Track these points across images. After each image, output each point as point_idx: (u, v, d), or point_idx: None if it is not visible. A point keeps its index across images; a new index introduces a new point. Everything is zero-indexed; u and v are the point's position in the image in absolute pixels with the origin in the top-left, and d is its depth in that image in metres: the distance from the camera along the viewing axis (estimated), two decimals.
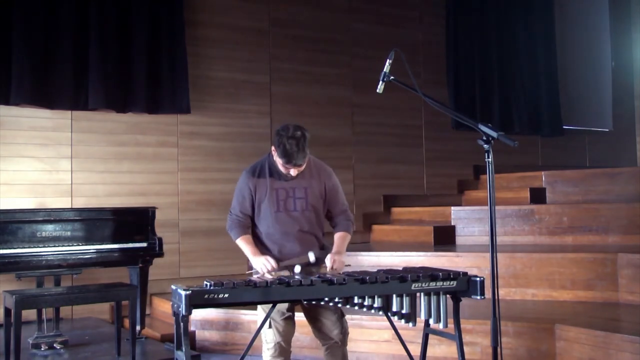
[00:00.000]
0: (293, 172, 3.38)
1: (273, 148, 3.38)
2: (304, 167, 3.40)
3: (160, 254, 5.17)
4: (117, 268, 5.24)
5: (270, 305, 3.20)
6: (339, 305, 3.10)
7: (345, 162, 7.23)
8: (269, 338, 3.36)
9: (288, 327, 3.38)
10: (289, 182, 3.44)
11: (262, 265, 3.33)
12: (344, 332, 3.46)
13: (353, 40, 7.48)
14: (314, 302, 3.11)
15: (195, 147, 6.48)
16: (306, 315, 3.45)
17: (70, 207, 5.78)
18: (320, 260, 3.46)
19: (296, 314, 3.47)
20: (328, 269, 3.39)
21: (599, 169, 6.99)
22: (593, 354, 3.84)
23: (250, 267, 3.55)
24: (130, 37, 6.13)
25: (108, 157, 6.09)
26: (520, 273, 5.14)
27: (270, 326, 3.34)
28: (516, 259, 5.18)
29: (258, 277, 3.22)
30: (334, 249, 3.49)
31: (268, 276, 3.26)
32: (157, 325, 5.48)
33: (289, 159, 3.30)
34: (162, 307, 5.67)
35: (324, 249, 3.53)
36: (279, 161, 3.36)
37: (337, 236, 3.56)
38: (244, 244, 3.47)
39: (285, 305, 3.32)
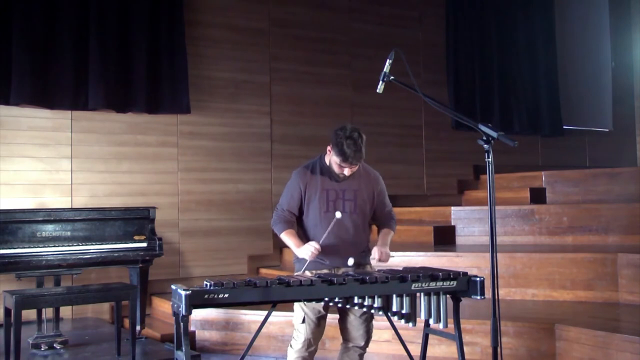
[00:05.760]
0: (347, 172, 3.43)
1: (329, 148, 3.45)
2: (357, 168, 3.46)
3: (160, 254, 5.17)
4: (117, 268, 5.25)
5: (310, 302, 3.26)
6: (340, 305, 3.10)
7: None
8: (300, 333, 3.40)
9: (320, 326, 3.44)
10: (339, 184, 3.49)
11: (307, 251, 3.32)
12: (369, 335, 3.51)
13: (353, 40, 7.48)
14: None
15: (195, 147, 6.48)
16: (339, 314, 3.52)
17: (70, 207, 5.77)
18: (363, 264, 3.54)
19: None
20: (376, 261, 3.46)
21: (599, 169, 6.99)
22: (593, 354, 3.84)
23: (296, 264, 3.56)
24: (130, 37, 6.13)
25: (108, 157, 6.09)
26: (520, 273, 5.14)
27: (303, 321, 3.38)
28: (516, 259, 5.18)
29: (303, 273, 3.26)
30: (379, 242, 3.55)
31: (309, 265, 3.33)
32: (157, 325, 5.48)
33: (345, 157, 3.35)
34: (162, 307, 5.67)
35: (367, 253, 3.56)
36: (334, 160, 3.41)
37: (382, 232, 3.64)
38: (288, 238, 3.46)
39: (321, 304, 3.34)
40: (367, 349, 3.56)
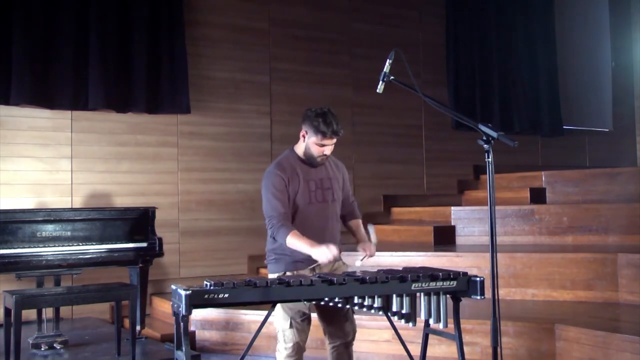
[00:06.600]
0: (328, 150, 3.41)
1: (302, 133, 3.43)
2: (334, 143, 3.43)
3: (160, 254, 5.17)
4: (117, 268, 5.24)
5: (293, 304, 3.23)
6: (340, 305, 3.09)
7: (345, 162, 7.01)
8: (288, 338, 3.36)
9: (306, 327, 3.42)
10: (317, 173, 3.47)
11: (323, 255, 3.19)
12: (354, 331, 3.50)
13: (353, 40, 7.48)
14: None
15: (195, 147, 6.48)
16: (319, 314, 3.48)
17: (70, 207, 5.78)
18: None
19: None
20: (367, 257, 3.42)
21: (599, 169, 6.99)
22: (593, 354, 3.84)
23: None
24: (130, 37, 6.13)
25: (108, 157, 6.09)
26: (520, 273, 5.14)
27: (291, 326, 3.35)
28: (516, 259, 5.18)
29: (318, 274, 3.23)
30: (360, 238, 3.54)
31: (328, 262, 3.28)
32: (157, 325, 5.48)
33: (324, 133, 3.34)
34: (162, 307, 5.67)
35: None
36: (313, 141, 3.38)
37: (355, 225, 3.63)
38: (297, 240, 3.25)
39: (306, 305, 3.32)
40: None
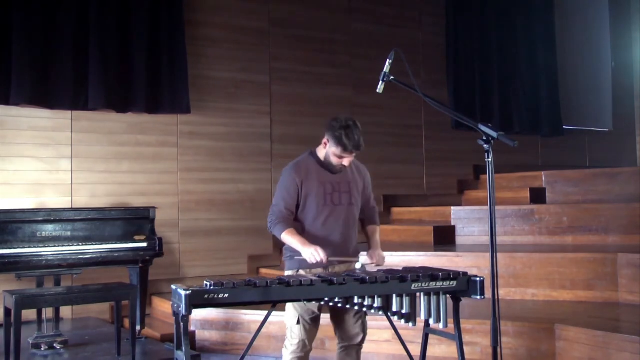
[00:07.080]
0: (346, 162, 3.43)
1: (324, 140, 3.44)
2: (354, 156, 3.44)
3: (160, 254, 5.17)
4: (117, 268, 5.24)
5: (303, 302, 3.24)
6: (340, 305, 3.10)
7: None
8: (295, 334, 3.38)
9: (314, 326, 3.43)
10: (335, 176, 3.48)
11: (311, 256, 3.24)
12: (365, 331, 3.51)
13: (353, 40, 7.48)
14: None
15: (195, 147, 6.48)
16: (332, 314, 3.49)
17: (70, 207, 5.78)
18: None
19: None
20: (374, 265, 3.45)
21: (599, 169, 7.00)
22: (593, 354, 3.84)
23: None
24: (130, 37, 6.13)
25: (108, 157, 6.09)
26: (520, 273, 5.14)
27: (298, 322, 3.37)
28: (516, 259, 5.18)
29: (297, 272, 3.24)
30: (372, 245, 3.55)
31: (314, 270, 3.30)
32: (157, 325, 5.48)
33: (345, 147, 3.36)
34: (162, 307, 5.67)
35: (356, 248, 3.57)
36: (333, 151, 3.40)
37: (371, 231, 3.64)
38: (290, 237, 3.34)
39: (316, 305, 3.32)
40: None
